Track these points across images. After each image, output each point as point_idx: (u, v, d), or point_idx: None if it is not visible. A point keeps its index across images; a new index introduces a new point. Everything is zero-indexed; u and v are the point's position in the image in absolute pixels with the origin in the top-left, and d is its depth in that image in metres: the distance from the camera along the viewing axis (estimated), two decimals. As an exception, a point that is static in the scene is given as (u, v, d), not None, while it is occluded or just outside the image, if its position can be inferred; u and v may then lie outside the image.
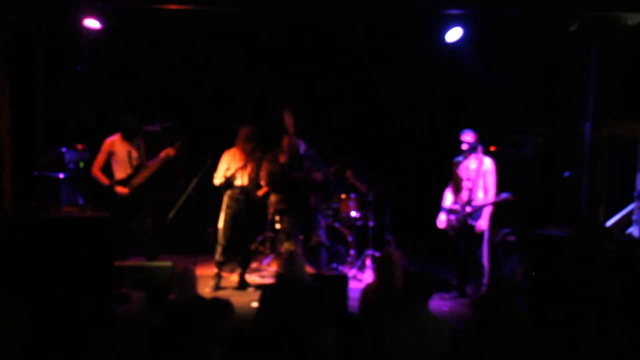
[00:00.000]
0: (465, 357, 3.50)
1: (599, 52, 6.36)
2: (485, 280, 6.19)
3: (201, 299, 4.33)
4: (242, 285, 6.46)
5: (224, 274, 6.67)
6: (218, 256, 6.38)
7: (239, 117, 6.91)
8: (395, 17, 6.96)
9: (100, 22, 6.67)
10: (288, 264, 4.37)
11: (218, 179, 6.35)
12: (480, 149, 6.23)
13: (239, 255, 6.45)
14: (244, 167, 6.30)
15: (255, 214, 6.52)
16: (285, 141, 6.56)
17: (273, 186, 6.65)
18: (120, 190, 6.33)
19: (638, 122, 6.07)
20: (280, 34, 7.84)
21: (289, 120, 6.46)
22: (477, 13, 6.58)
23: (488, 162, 6.22)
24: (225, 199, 6.38)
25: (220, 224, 6.38)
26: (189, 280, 4.32)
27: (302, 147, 6.69)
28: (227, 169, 6.30)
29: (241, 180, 6.35)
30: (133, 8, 6.51)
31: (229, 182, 6.32)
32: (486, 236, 6.22)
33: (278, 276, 4.65)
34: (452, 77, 8.09)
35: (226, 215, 6.35)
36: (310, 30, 7.74)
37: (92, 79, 7.88)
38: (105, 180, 6.34)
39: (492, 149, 7.57)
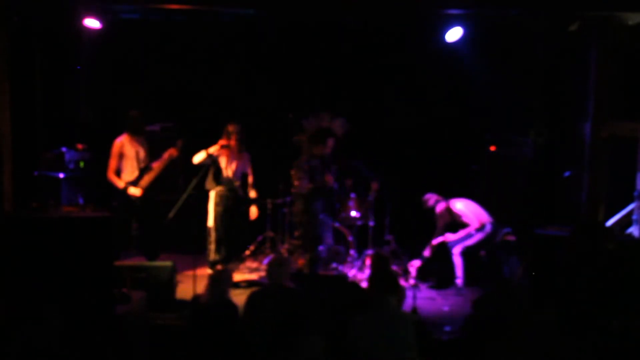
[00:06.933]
0: (433, 351, 3.62)
1: (599, 52, 6.36)
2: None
3: (228, 302, 4.39)
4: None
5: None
6: (212, 255, 6.34)
7: (239, 118, 6.89)
8: (395, 18, 6.95)
9: (101, 22, 6.67)
10: (275, 268, 4.37)
11: (198, 157, 6.28)
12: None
13: (230, 250, 6.45)
14: (230, 161, 6.33)
15: (244, 210, 6.53)
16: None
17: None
18: (133, 191, 6.32)
19: (638, 122, 6.08)
20: (281, 35, 7.84)
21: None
22: (477, 13, 6.58)
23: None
24: (214, 197, 6.38)
25: (210, 222, 6.38)
26: (223, 283, 4.38)
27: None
28: (208, 151, 6.26)
29: (226, 172, 6.35)
30: (133, 8, 6.53)
31: (217, 177, 6.29)
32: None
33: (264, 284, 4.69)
34: (452, 77, 8.08)
35: (216, 213, 6.35)
36: (311, 31, 7.73)
37: (92, 78, 7.87)
38: (120, 184, 6.32)
39: (492, 149, 7.58)
